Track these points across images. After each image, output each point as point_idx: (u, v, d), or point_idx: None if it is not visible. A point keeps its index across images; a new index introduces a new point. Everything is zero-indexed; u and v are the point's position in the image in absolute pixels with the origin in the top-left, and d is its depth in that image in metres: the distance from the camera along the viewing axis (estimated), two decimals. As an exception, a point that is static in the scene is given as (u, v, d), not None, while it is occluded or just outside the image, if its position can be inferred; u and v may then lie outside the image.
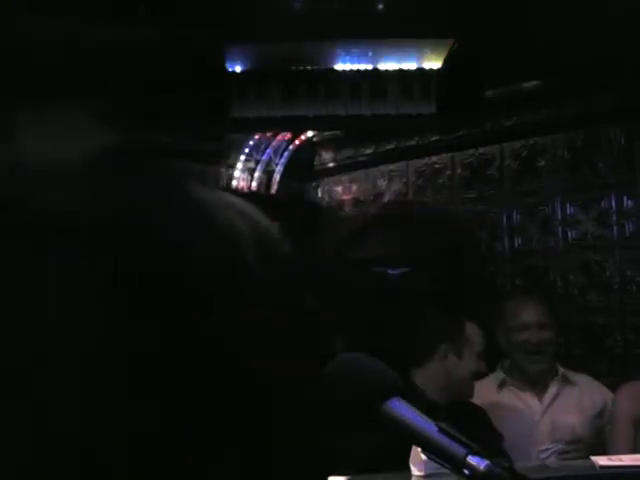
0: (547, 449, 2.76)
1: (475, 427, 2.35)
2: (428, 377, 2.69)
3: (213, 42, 3.15)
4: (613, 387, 3.07)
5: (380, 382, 0.89)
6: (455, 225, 4.22)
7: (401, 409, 0.86)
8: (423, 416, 0.85)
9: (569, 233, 3.82)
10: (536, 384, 3.03)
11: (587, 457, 2.70)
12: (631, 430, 2.78)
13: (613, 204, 3.69)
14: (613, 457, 2.18)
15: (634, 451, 2.59)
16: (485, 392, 2.98)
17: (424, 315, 3.06)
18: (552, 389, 3.01)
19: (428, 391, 2.59)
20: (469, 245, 4.16)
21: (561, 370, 3.07)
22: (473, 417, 2.69)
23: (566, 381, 3.05)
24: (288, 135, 4.46)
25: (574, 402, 2.99)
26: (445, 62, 3.30)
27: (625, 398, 2.86)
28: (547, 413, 2.96)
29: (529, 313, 3.06)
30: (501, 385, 3.05)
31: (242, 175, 4.46)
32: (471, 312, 2.90)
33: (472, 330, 2.75)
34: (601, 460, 2.10)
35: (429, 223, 4.25)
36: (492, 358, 3.18)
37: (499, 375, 3.08)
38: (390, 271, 4.55)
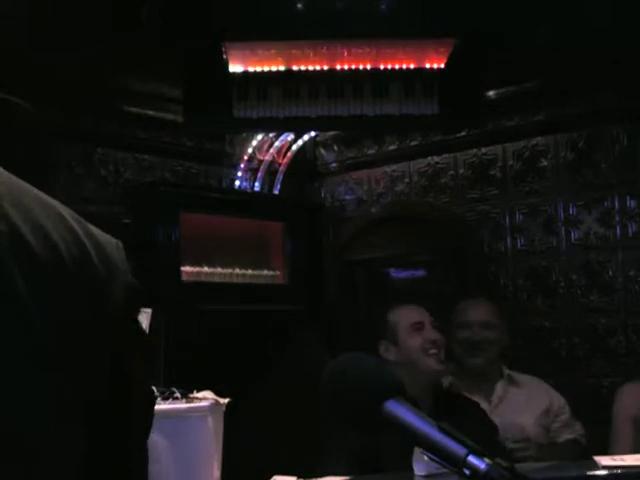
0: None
1: (467, 419, 2.36)
2: None
3: (215, 42, 3.16)
4: (616, 387, 3.08)
5: (380, 382, 0.89)
6: (458, 225, 4.22)
7: (401, 409, 0.86)
8: (423, 416, 0.85)
9: (572, 233, 3.82)
10: (482, 384, 3.11)
11: (535, 456, 2.78)
12: (631, 429, 2.81)
13: (616, 204, 3.69)
14: (616, 457, 2.19)
15: (634, 450, 2.60)
16: None
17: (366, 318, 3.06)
18: (498, 391, 3.11)
19: None
20: (472, 245, 4.16)
21: (506, 372, 3.16)
22: (466, 410, 2.70)
23: (512, 382, 3.15)
24: (291, 135, 4.46)
25: (521, 401, 3.08)
26: (448, 62, 3.30)
27: (626, 398, 2.89)
28: (495, 413, 3.03)
29: (474, 312, 3.18)
30: (449, 387, 3.11)
31: (245, 175, 4.47)
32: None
33: (397, 313, 2.76)
34: (604, 460, 2.10)
35: (432, 224, 4.25)
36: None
37: (446, 379, 3.13)
38: (393, 272, 4.56)
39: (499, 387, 3.12)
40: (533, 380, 3.19)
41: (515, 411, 3.03)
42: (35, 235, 0.63)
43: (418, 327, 2.70)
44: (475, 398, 3.05)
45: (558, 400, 3.12)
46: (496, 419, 2.98)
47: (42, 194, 0.69)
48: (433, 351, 2.67)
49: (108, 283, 0.69)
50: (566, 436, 3.05)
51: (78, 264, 0.66)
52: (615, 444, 2.86)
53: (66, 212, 0.69)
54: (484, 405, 3.04)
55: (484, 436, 2.51)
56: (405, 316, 2.74)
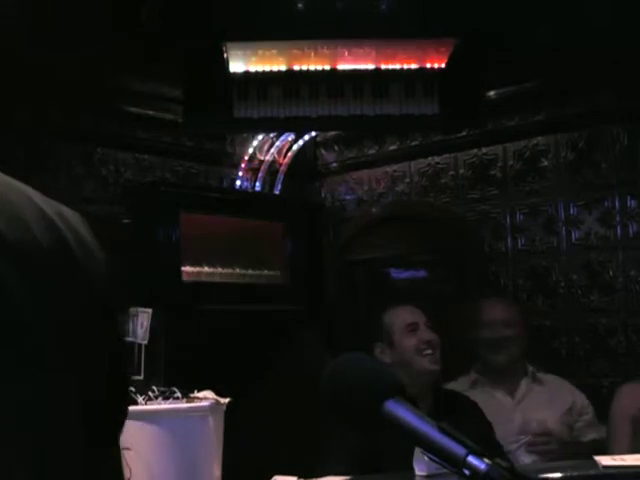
0: (517, 440, 2.85)
1: (466, 419, 2.36)
2: None
3: (215, 42, 3.16)
4: (616, 387, 3.09)
5: (380, 382, 0.89)
6: (458, 225, 4.22)
7: (401, 409, 0.86)
8: (423, 416, 0.85)
9: (572, 233, 3.82)
10: (506, 381, 3.15)
11: (558, 451, 2.81)
12: (629, 429, 2.81)
13: (616, 204, 3.69)
14: (616, 457, 2.18)
15: (632, 450, 2.60)
16: (458, 391, 3.07)
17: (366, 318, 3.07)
18: (522, 387, 3.14)
19: None
20: (472, 245, 4.16)
21: (531, 369, 3.19)
22: (465, 409, 2.71)
23: (536, 380, 3.18)
24: (291, 135, 4.46)
25: (544, 398, 3.12)
26: (448, 62, 3.30)
27: (624, 398, 2.90)
28: (518, 408, 3.08)
29: (496, 311, 3.22)
30: (474, 384, 3.18)
31: (246, 175, 4.47)
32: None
33: (392, 315, 2.78)
34: (604, 460, 2.10)
35: (432, 224, 4.25)
36: (464, 360, 3.26)
37: (472, 376, 3.21)
38: (393, 272, 4.56)
39: (523, 384, 3.14)
40: (557, 379, 3.22)
41: (538, 407, 3.05)
42: (19, 232, 0.63)
43: (412, 328, 2.72)
44: (499, 394, 3.11)
45: (581, 400, 3.15)
46: (519, 415, 3.01)
47: (27, 188, 0.68)
48: (428, 352, 2.68)
49: (87, 269, 0.68)
50: (591, 436, 3.08)
51: (59, 253, 0.65)
52: (613, 444, 2.86)
53: (38, 198, 0.68)
54: (507, 401, 3.10)
55: (482, 436, 2.52)
56: (399, 317, 2.76)
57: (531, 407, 3.07)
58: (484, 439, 2.51)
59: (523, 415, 3.02)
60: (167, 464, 1.55)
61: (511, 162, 4.03)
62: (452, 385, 3.14)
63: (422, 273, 4.46)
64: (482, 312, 3.26)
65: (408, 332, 2.71)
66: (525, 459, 2.84)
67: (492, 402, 3.04)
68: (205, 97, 3.34)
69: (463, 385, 3.15)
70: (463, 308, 3.44)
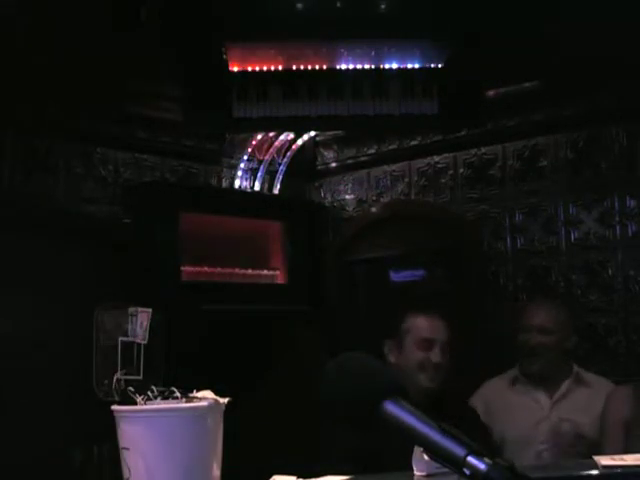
0: (547, 441, 2.82)
1: (462, 423, 2.34)
2: None
3: (216, 42, 3.16)
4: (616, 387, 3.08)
5: (380, 382, 0.89)
6: (458, 225, 4.22)
7: (402, 408, 0.86)
8: (424, 416, 0.85)
9: (571, 233, 3.82)
10: (548, 381, 3.08)
11: (589, 455, 2.76)
12: (622, 433, 2.80)
13: (615, 204, 3.69)
14: (615, 457, 2.18)
15: (624, 453, 2.60)
16: (498, 387, 3.11)
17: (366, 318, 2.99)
18: (563, 388, 3.07)
19: None
20: (472, 245, 4.16)
21: (575, 370, 3.11)
22: (460, 413, 2.69)
23: (580, 381, 3.09)
24: (291, 135, 4.46)
25: (583, 402, 3.04)
26: (447, 62, 3.30)
27: (616, 402, 2.89)
28: (555, 409, 3.02)
29: (533, 316, 3.12)
30: (514, 381, 3.12)
31: (245, 175, 4.47)
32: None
33: (412, 322, 2.69)
34: (603, 460, 2.10)
35: (432, 223, 4.25)
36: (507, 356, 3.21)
37: (514, 372, 3.15)
38: (393, 272, 4.56)
39: (564, 385, 3.07)
40: (602, 382, 3.13)
41: (574, 409, 3.00)
42: None
43: (426, 346, 2.64)
44: (538, 393, 3.05)
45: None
46: (555, 415, 2.98)
47: None
48: (429, 372, 2.62)
49: None
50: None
51: None
52: (606, 448, 2.85)
53: None
54: (544, 400, 3.04)
55: (478, 440, 2.50)
56: (418, 328, 2.67)
57: (567, 408, 3.01)
58: (480, 443, 2.49)
59: (559, 416, 2.97)
60: (166, 464, 1.55)
61: (510, 162, 4.03)
62: (493, 382, 3.13)
63: (422, 273, 4.46)
64: (524, 316, 3.15)
65: (420, 347, 2.64)
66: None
67: (530, 401, 3.02)
68: (204, 97, 3.34)
69: (503, 382, 3.12)
70: (511, 308, 3.30)
